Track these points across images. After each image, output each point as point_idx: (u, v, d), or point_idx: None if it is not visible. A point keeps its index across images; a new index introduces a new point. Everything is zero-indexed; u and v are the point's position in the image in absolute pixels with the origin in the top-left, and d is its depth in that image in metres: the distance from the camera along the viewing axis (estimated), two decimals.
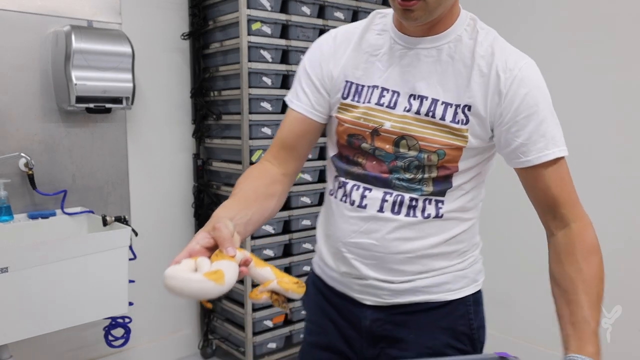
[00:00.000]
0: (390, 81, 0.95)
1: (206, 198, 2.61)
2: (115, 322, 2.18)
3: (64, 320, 1.82)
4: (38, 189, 2.06)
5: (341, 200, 1.00)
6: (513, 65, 0.90)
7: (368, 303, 1.01)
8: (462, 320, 1.02)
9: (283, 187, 0.99)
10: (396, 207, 0.95)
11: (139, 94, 2.34)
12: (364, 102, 0.96)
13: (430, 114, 0.92)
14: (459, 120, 0.91)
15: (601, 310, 0.84)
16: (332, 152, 1.04)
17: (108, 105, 2.12)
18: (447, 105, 0.92)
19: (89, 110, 2.09)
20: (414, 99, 0.93)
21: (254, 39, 2.28)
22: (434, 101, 0.92)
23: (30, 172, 2.03)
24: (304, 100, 1.01)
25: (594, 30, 2.24)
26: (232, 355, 2.59)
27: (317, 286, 1.11)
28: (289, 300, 0.78)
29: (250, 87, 2.30)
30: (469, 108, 0.91)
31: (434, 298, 1.00)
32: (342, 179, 1.00)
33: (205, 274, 0.68)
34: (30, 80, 2.07)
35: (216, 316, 2.67)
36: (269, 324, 2.47)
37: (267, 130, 2.39)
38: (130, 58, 2.14)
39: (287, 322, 2.54)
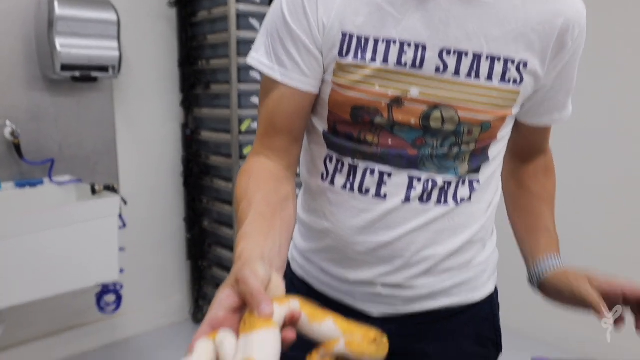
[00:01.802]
0: (410, 31, 0.70)
1: (195, 167, 2.62)
2: (106, 289, 2.21)
3: (55, 287, 1.85)
4: (25, 158, 2.06)
5: (344, 187, 0.78)
6: (581, 9, 0.73)
7: (376, 315, 0.82)
8: (487, 323, 0.88)
9: (292, 185, 0.78)
10: (426, 195, 0.76)
11: (125, 63, 2.32)
12: (373, 61, 0.71)
13: (474, 73, 0.71)
14: (509, 79, 0.72)
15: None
16: (320, 126, 0.80)
17: (94, 74, 2.10)
18: (493, 60, 0.71)
19: (74, 79, 2.07)
20: (448, 54, 0.70)
21: (242, 6, 2.24)
22: (476, 57, 0.70)
23: (17, 141, 2.02)
24: (291, 67, 0.74)
25: None
26: None
27: (299, 291, 0.88)
28: None
29: (239, 55, 2.28)
30: (525, 64, 0.72)
31: (456, 302, 0.83)
32: (348, 160, 0.77)
33: None
34: (13, 47, 2.04)
35: (206, 283, 2.71)
36: None
37: (256, 100, 2.38)
38: (115, 25, 2.11)
39: None
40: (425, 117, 0.72)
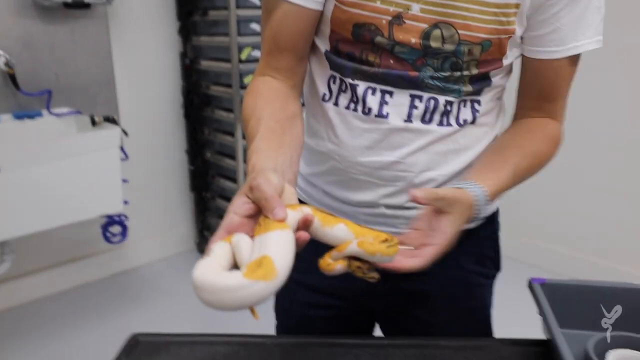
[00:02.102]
0: None
1: (196, 98, 2.57)
2: (111, 220, 2.24)
3: (60, 218, 1.87)
4: (21, 89, 2.02)
5: (347, 107, 0.78)
6: None
7: None
8: (489, 242, 0.89)
9: (298, 104, 0.78)
10: (428, 115, 0.75)
11: None
12: None
13: None
14: None
15: (518, 183, 0.76)
16: (323, 46, 0.79)
17: (86, 0, 2.01)
18: None
19: (66, 5, 1.99)
20: None
21: None
22: None
23: (11, 71, 1.98)
24: None
25: None
26: None
27: None
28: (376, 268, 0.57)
29: None
30: None
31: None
32: (348, 80, 0.77)
33: (247, 274, 0.47)
34: None
35: (210, 214, 2.74)
36: None
37: (255, 27, 2.30)
38: None
39: None
40: (426, 35, 0.71)
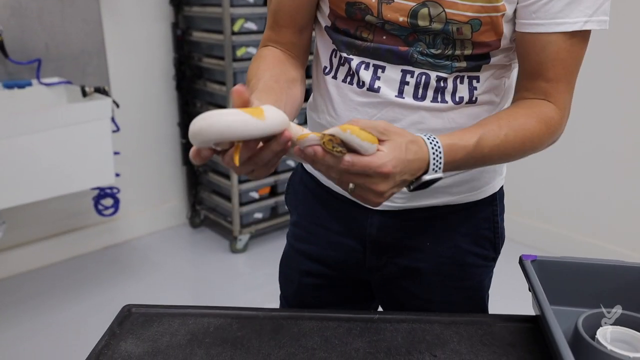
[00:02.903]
0: None
1: (187, 70, 2.54)
2: (103, 192, 2.22)
3: (51, 189, 1.85)
4: (10, 57, 1.98)
5: (344, 81, 0.79)
6: None
7: (377, 208, 0.82)
8: (487, 223, 0.87)
9: (300, 71, 0.82)
10: (420, 91, 0.75)
11: None
12: None
13: None
14: None
15: (495, 156, 0.70)
16: (323, 22, 0.81)
17: None
18: None
19: None
20: None
21: None
22: None
23: (0, 39, 1.93)
24: None
25: None
26: (219, 225, 2.70)
27: (307, 185, 0.92)
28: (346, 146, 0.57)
29: None
30: None
31: (454, 200, 0.83)
32: (344, 54, 0.78)
33: (241, 109, 0.53)
34: None
35: (203, 188, 2.73)
36: (255, 195, 2.54)
37: None
38: None
39: (273, 193, 2.62)
40: (413, 14, 0.70)
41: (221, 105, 2.46)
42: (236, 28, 2.26)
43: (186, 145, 2.68)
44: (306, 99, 0.86)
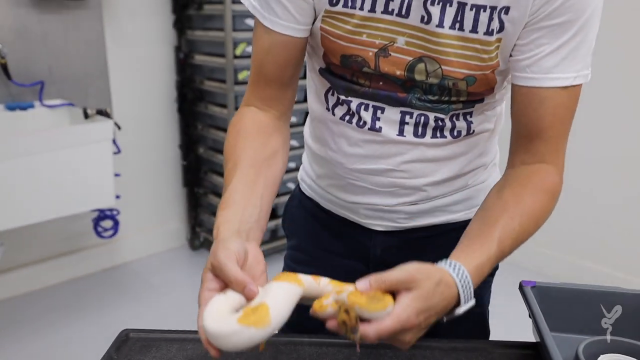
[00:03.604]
0: None
1: (189, 93, 2.56)
2: (103, 214, 2.22)
3: (51, 211, 1.85)
4: (13, 80, 2.00)
5: (343, 119, 0.79)
6: None
7: (378, 229, 0.85)
8: None
9: (283, 135, 0.78)
10: (419, 129, 0.76)
11: None
12: (361, 9, 0.69)
13: (457, 25, 0.67)
14: (492, 30, 0.67)
15: (514, 248, 0.68)
16: (317, 64, 0.80)
17: None
18: (478, 9, 0.66)
19: None
20: (432, 3, 0.67)
21: None
22: (461, 5, 0.67)
23: (4, 61, 1.96)
24: (282, 13, 0.71)
25: None
26: None
27: (306, 209, 0.92)
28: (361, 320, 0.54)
29: None
30: (507, 10, 0.66)
31: (455, 218, 0.85)
32: (342, 97, 0.78)
33: (241, 319, 0.51)
34: None
35: (203, 210, 2.73)
36: None
37: (251, 22, 2.28)
38: None
39: (272, 216, 2.61)
40: (410, 68, 0.71)
41: (222, 127, 2.47)
42: (238, 52, 2.29)
43: (187, 167, 2.69)
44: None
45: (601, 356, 0.69)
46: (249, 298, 0.55)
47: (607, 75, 2.21)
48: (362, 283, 0.55)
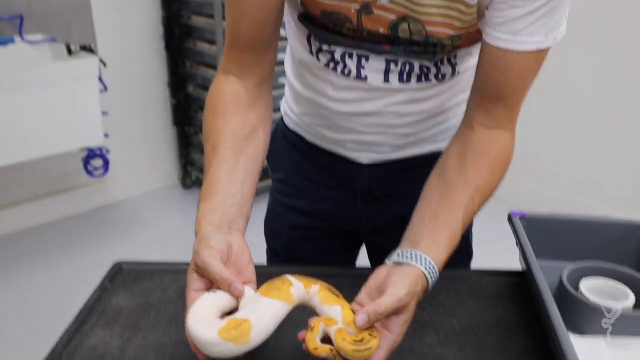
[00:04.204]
0: None
1: (176, 29, 2.48)
2: (92, 153, 2.21)
3: (37, 149, 1.84)
4: None
5: (327, 66, 0.76)
6: None
7: (365, 161, 0.85)
8: None
9: (264, 104, 0.75)
10: (404, 76, 0.75)
11: None
12: None
13: None
14: None
15: (470, 222, 0.70)
16: (296, 10, 0.75)
17: None
18: None
19: None
20: None
21: None
22: None
23: None
24: None
25: None
26: None
27: (291, 142, 0.91)
28: None
29: None
30: None
31: (440, 147, 0.84)
32: (324, 46, 0.75)
33: (222, 331, 0.51)
34: None
35: (194, 149, 2.72)
36: None
37: None
38: None
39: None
40: (394, 27, 0.68)
41: (211, 64, 2.42)
42: None
43: (176, 106, 2.65)
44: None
45: (583, 279, 0.71)
46: (234, 295, 0.56)
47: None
48: (361, 318, 0.54)
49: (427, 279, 0.60)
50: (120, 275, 0.78)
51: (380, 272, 0.62)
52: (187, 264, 0.79)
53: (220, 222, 0.62)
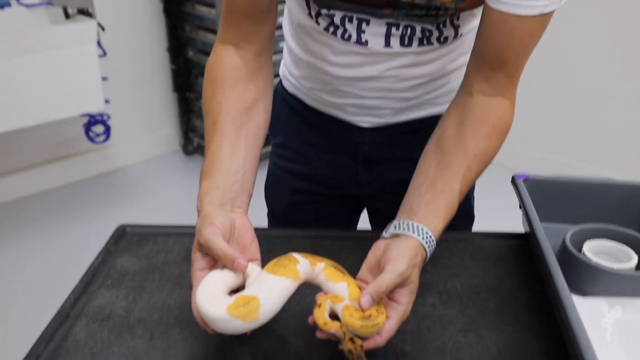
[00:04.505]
0: None
1: None
2: (93, 119, 2.19)
3: (38, 115, 1.83)
4: None
5: (327, 30, 0.74)
6: None
7: (366, 125, 0.84)
8: None
9: (264, 75, 0.73)
10: (406, 40, 0.73)
11: None
12: None
13: None
14: None
15: (471, 188, 0.69)
16: None
17: None
18: None
19: None
20: None
21: None
22: None
23: None
24: None
25: None
26: None
27: (291, 106, 0.90)
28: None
29: None
30: None
31: (441, 110, 0.82)
32: (324, 10, 0.72)
33: (231, 308, 0.52)
34: None
35: (195, 115, 2.70)
36: None
37: None
38: None
39: None
40: None
41: (210, 29, 2.37)
42: None
43: (176, 72, 2.62)
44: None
45: (586, 241, 0.71)
46: (238, 271, 0.56)
47: None
48: (365, 300, 0.54)
49: (425, 250, 0.60)
50: (124, 239, 0.78)
51: (378, 246, 0.61)
52: (191, 227, 0.80)
53: (222, 200, 0.62)
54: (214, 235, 0.56)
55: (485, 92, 0.69)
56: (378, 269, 0.59)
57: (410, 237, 0.59)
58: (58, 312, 0.63)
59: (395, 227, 0.61)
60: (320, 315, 0.55)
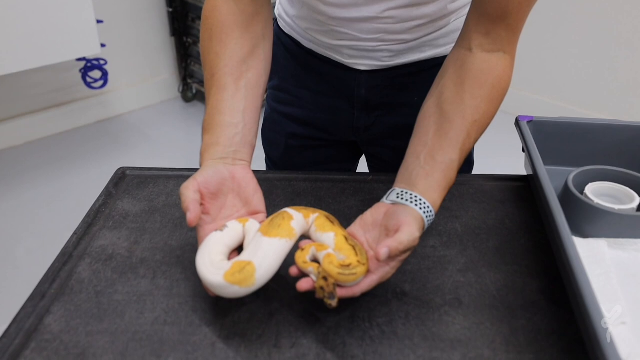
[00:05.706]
0: None
1: None
2: (90, 64, 2.15)
3: (33, 60, 1.79)
4: None
5: None
6: None
7: (363, 68, 0.82)
8: None
9: (262, 18, 0.70)
10: None
11: None
12: None
13: None
14: None
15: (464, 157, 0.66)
16: None
17: None
18: None
19: None
20: None
21: None
22: None
23: None
24: None
25: None
26: None
27: (287, 48, 0.87)
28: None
29: None
30: None
31: (441, 52, 0.81)
32: None
33: (227, 275, 0.52)
34: None
35: (193, 60, 2.65)
36: None
37: None
38: None
39: None
40: None
41: None
42: None
43: (173, 15, 2.55)
44: None
45: (589, 184, 0.70)
46: (188, 224, 0.56)
47: None
48: (384, 252, 0.53)
49: (424, 224, 0.59)
50: (124, 181, 0.78)
51: (379, 209, 0.61)
52: (191, 170, 0.80)
53: (223, 154, 0.62)
54: (185, 189, 0.58)
55: (485, 47, 0.65)
56: (372, 228, 0.59)
57: (414, 209, 0.58)
58: (61, 252, 0.64)
59: (397, 195, 0.60)
60: (301, 256, 0.56)
